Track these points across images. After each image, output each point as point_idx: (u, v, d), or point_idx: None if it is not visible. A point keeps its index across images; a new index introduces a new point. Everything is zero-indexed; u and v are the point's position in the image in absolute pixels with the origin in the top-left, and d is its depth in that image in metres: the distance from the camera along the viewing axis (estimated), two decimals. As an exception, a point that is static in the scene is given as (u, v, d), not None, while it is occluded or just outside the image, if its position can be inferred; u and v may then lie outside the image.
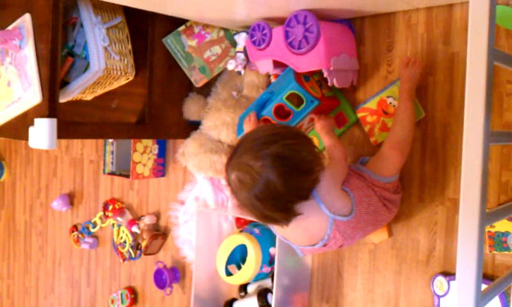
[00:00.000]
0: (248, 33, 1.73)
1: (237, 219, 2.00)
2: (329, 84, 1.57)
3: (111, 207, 2.52)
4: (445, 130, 1.53)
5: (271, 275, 1.85)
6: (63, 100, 1.84)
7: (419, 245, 1.60)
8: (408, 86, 1.51)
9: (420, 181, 1.59)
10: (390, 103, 1.62)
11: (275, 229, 1.45)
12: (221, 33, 1.89)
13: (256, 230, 1.83)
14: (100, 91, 1.96)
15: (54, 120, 1.61)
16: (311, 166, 1.27)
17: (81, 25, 1.80)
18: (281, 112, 1.61)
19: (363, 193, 1.39)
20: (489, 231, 1.43)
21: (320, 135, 1.57)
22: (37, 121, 1.61)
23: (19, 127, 1.73)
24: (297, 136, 1.30)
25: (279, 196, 1.22)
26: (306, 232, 1.37)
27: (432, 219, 1.57)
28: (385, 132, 1.62)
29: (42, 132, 1.60)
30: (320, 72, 1.60)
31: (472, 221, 0.74)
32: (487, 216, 0.77)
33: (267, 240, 1.80)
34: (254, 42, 1.69)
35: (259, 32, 1.67)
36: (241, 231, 1.88)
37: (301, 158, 1.25)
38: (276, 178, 1.20)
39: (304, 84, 1.57)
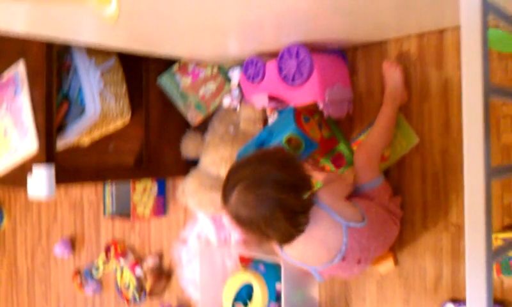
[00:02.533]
0: (241, 68, 1.73)
1: (241, 256, 1.98)
2: (325, 115, 1.57)
3: (113, 249, 2.50)
4: (444, 156, 1.52)
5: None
6: (60, 145, 1.83)
7: (426, 272, 1.58)
8: (389, 90, 1.56)
9: (423, 207, 1.57)
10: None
11: (291, 255, 1.42)
12: (215, 69, 1.90)
13: (262, 267, 1.81)
14: (97, 134, 1.95)
15: (52, 167, 1.60)
16: (304, 178, 1.34)
17: (75, 69, 1.80)
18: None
19: (367, 204, 1.43)
20: (495, 255, 1.41)
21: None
22: (35, 169, 1.60)
23: (18, 176, 1.72)
24: (286, 158, 1.35)
25: (285, 202, 1.27)
26: (322, 245, 1.34)
27: (438, 246, 1.55)
28: (382, 163, 1.61)
29: (40, 180, 1.59)
30: (320, 112, 1.60)
31: (479, 263, 0.73)
32: (493, 254, 0.75)
33: (272, 276, 1.78)
34: (248, 77, 1.69)
35: (252, 67, 1.67)
36: (246, 269, 1.86)
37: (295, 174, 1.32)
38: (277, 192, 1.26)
39: (304, 126, 1.57)
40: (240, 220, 1.29)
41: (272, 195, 1.25)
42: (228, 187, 1.30)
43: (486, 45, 0.76)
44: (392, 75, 1.57)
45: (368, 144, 1.54)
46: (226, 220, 1.98)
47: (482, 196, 0.72)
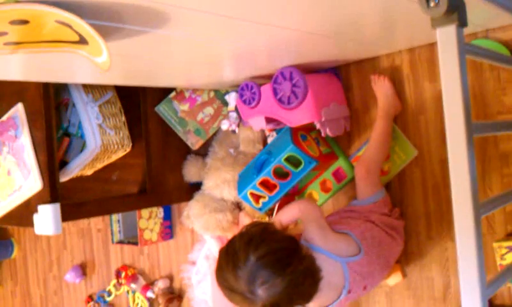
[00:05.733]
0: (237, 92, 1.74)
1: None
2: (322, 134, 1.58)
3: (123, 274, 2.51)
4: (443, 166, 1.54)
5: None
6: (63, 179, 1.85)
7: (434, 283, 1.59)
8: (381, 103, 1.57)
9: (426, 218, 1.58)
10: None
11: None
12: (212, 94, 1.92)
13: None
14: (99, 166, 1.97)
15: (57, 205, 1.61)
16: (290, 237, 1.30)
17: (74, 105, 1.82)
18: (280, 173, 1.61)
19: (362, 228, 1.42)
20: (500, 264, 1.41)
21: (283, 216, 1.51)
22: (40, 208, 1.62)
23: (23, 214, 1.73)
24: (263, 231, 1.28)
25: (299, 265, 1.24)
26: (329, 287, 1.33)
27: (443, 255, 1.56)
28: (382, 177, 1.63)
29: (46, 218, 1.61)
30: (317, 129, 1.61)
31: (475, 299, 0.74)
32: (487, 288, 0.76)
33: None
34: (244, 101, 1.70)
35: (248, 91, 1.68)
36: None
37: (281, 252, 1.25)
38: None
39: (301, 144, 1.58)
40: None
41: (293, 268, 1.21)
42: (242, 288, 1.20)
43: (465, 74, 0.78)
44: (381, 87, 1.59)
45: (366, 159, 1.55)
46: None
47: (472, 229, 0.73)
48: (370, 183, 1.53)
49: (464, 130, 0.75)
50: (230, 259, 1.23)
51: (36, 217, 1.64)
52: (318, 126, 1.56)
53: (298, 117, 1.57)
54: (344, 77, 1.70)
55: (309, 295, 1.27)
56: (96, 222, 2.66)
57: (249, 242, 1.23)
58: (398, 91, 1.59)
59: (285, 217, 1.46)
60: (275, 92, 1.59)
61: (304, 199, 1.64)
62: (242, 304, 1.24)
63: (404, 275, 1.63)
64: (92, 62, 0.99)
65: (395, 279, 1.62)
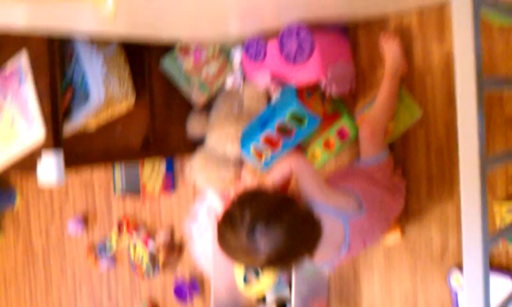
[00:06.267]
0: (243, 48, 1.73)
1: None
2: (327, 92, 1.57)
3: (125, 226, 2.55)
4: (448, 128, 1.54)
5: (290, 283, 1.86)
6: (67, 131, 1.85)
7: (432, 242, 1.61)
8: (388, 63, 1.56)
9: (428, 179, 1.59)
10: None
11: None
12: (217, 50, 1.90)
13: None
14: (103, 119, 1.97)
15: (61, 154, 1.62)
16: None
17: (78, 56, 1.81)
18: (283, 129, 1.61)
19: (364, 186, 1.44)
20: (500, 228, 1.43)
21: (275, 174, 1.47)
22: (44, 155, 1.63)
23: (28, 162, 1.74)
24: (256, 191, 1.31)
25: (299, 215, 1.26)
26: (329, 243, 1.34)
27: (443, 216, 1.58)
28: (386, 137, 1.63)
29: (50, 166, 1.62)
30: (323, 87, 1.60)
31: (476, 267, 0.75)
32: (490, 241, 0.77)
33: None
34: (250, 56, 1.69)
35: (254, 46, 1.67)
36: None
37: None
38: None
39: (306, 101, 1.57)
40: (277, 260, 1.24)
41: (290, 215, 1.23)
42: (243, 244, 1.22)
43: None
44: (390, 47, 1.58)
45: (372, 118, 1.55)
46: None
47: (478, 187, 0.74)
48: (375, 143, 1.54)
49: (475, 81, 0.74)
50: (227, 222, 1.25)
51: (39, 165, 1.65)
52: (323, 83, 1.56)
53: (304, 74, 1.57)
54: (351, 36, 1.69)
55: (313, 244, 1.27)
56: (98, 175, 2.68)
57: (243, 202, 1.25)
58: (406, 52, 1.58)
59: (276, 175, 1.42)
60: (281, 48, 1.58)
61: (293, 154, 1.60)
62: (247, 261, 1.26)
63: (403, 233, 1.65)
64: (97, 11, 0.99)
65: (394, 237, 1.65)
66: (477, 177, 0.74)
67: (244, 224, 1.20)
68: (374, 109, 1.56)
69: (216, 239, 1.29)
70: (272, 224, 1.20)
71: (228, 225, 1.24)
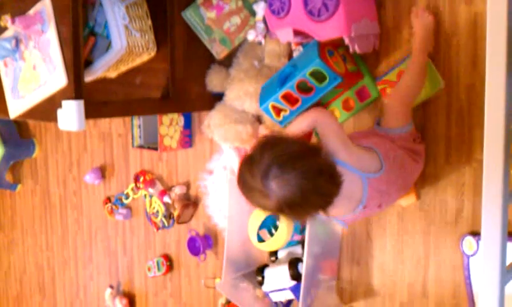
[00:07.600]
0: (266, 2, 1.71)
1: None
2: (350, 50, 1.56)
3: (142, 179, 2.58)
4: (470, 92, 1.52)
5: (302, 242, 1.88)
6: (87, 79, 1.86)
7: (447, 206, 1.61)
8: (420, 39, 1.53)
9: (446, 143, 1.59)
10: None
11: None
12: (240, 3, 1.88)
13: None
14: (123, 68, 1.98)
15: (81, 102, 1.64)
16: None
17: (100, 4, 1.81)
18: (303, 87, 1.60)
19: (386, 148, 1.43)
20: None
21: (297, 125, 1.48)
22: (64, 103, 1.64)
23: (47, 109, 1.76)
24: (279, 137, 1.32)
25: (318, 165, 1.26)
26: (346, 199, 1.35)
27: (460, 180, 1.57)
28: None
29: (70, 114, 1.64)
30: (345, 45, 1.58)
31: (496, 196, 0.75)
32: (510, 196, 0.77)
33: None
34: (273, 11, 1.67)
35: (277, 1, 1.65)
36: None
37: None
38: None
39: (328, 59, 1.56)
40: (287, 207, 1.24)
41: (306, 164, 1.23)
42: (258, 184, 1.24)
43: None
44: (424, 23, 1.54)
45: (401, 91, 1.53)
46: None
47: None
48: (402, 115, 1.51)
49: (506, 36, 0.73)
50: (248, 161, 1.28)
51: (60, 113, 1.66)
52: (347, 41, 1.54)
53: (327, 31, 1.55)
54: (377, -7, 1.66)
55: (328, 196, 1.27)
56: (117, 127, 2.70)
57: (265, 144, 1.27)
58: (432, 12, 1.55)
59: (298, 126, 1.42)
60: (305, 3, 1.56)
61: (318, 108, 1.58)
62: (259, 200, 1.27)
63: (418, 196, 1.65)
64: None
65: (408, 199, 1.65)
66: (502, 128, 0.74)
67: (261, 166, 1.22)
68: (404, 83, 1.53)
69: (236, 180, 1.31)
70: (287, 170, 1.21)
71: (247, 165, 1.27)
